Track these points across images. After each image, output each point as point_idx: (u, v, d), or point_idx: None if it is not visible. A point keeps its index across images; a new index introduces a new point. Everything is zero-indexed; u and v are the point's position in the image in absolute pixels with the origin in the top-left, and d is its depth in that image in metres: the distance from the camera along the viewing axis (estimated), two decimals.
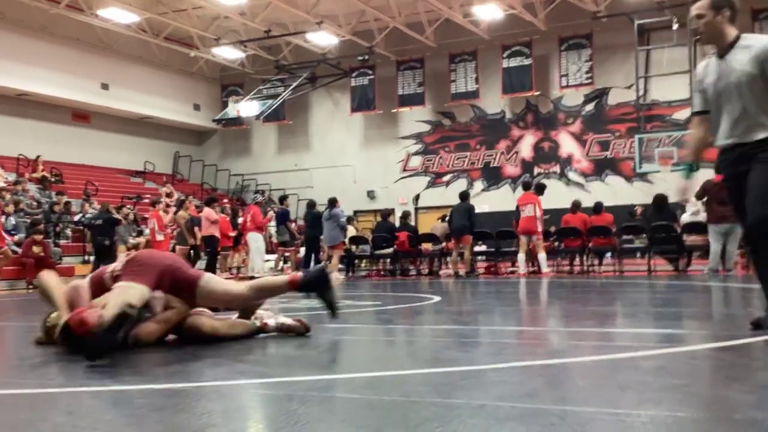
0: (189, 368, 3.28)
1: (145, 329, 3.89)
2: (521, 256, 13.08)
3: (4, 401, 2.67)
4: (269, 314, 4.43)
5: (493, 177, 23.52)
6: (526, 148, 23.24)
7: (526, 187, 13.70)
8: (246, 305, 4.25)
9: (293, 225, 16.83)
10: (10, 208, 15.24)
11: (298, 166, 25.80)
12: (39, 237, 14.10)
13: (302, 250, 16.62)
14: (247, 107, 24.73)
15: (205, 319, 4.12)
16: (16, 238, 14.81)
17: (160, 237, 14.66)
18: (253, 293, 4.16)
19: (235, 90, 26.76)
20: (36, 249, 14.00)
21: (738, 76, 3.73)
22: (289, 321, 4.31)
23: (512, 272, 14.06)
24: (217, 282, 4.16)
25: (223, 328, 4.14)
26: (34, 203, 17.12)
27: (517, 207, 13.40)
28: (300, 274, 4.17)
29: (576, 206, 14.03)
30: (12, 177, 18.81)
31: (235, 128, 26.43)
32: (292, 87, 24.00)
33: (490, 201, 22.12)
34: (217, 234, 14.54)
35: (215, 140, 27.97)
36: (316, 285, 4.10)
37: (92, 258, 15.43)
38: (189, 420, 2.17)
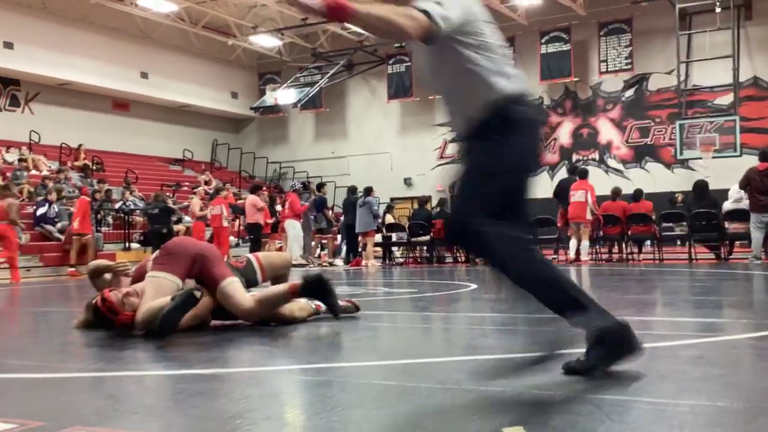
0: (227, 354, 3.33)
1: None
2: (572, 243, 12.97)
3: (47, 384, 2.74)
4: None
5: None
6: (564, 134, 22.97)
7: (581, 175, 13.53)
8: (253, 319, 4.19)
9: (330, 212, 16.90)
10: (53, 196, 15.58)
11: (335, 154, 25.88)
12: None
13: (339, 237, 16.72)
14: (284, 95, 24.85)
15: (288, 304, 4.18)
16: (59, 225, 15.14)
17: (225, 223, 14.85)
18: (260, 308, 4.10)
19: (273, 78, 26.89)
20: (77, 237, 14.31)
21: None
22: (342, 302, 4.37)
23: (552, 259, 13.94)
24: (234, 291, 4.09)
25: (286, 310, 4.21)
26: (76, 191, 17.46)
27: (566, 193, 13.22)
28: (299, 281, 4.16)
29: (615, 193, 13.84)
30: (55, 165, 19.21)
31: (273, 116, 26.59)
32: (329, 74, 24.04)
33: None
34: (262, 221, 14.72)
35: (253, 128, 28.17)
36: (315, 290, 4.11)
37: (136, 245, 15.89)
38: (227, 405, 2.21)
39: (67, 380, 2.82)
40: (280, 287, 4.19)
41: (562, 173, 20.37)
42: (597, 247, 14.18)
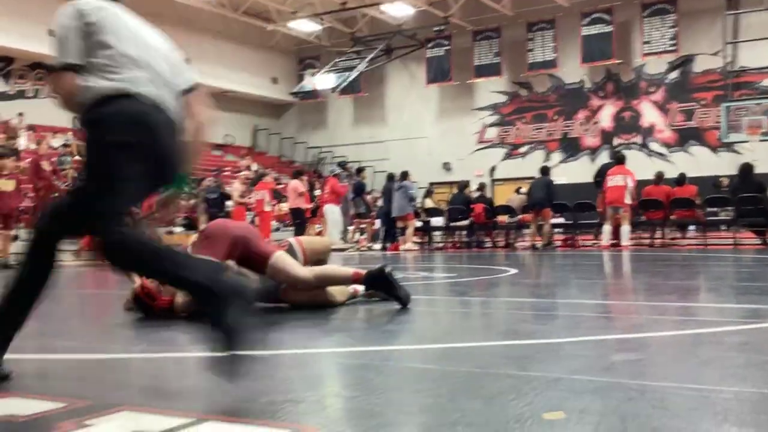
0: (269, 337, 3.37)
1: None
2: (606, 228, 12.81)
3: (93, 365, 2.82)
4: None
5: (571, 148, 23.02)
6: (606, 118, 22.62)
7: (619, 160, 13.33)
8: (308, 289, 4.29)
9: (369, 197, 16.95)
10: None
11: (373, 139, 25.89)
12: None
13: (378, 222, 16.76)
14: (323, 80, 24.91)
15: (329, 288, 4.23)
16: None
17: (268, 208, 15.03)
18: (317, 281, 4.21)
19: (312, 63, 26.98)
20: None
21: None
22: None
23: (592, 245, 13.80)
24: (285, 263, 4.19)
25: (326, 293, 4.26)
26: None
27: (604, 178, 13.05)
28: (363, 271, 4.23)
29: (659, 177, 13.62)
30: None
31: (312, 101, 26.68)
32: (367, 59, 24.01)
33: (568, 173, 21.67)
34: (304, 206, 14.85)
35: (292, 113, 28.33)
36: (379, 282, 4.16)
37: (179, 228, 16.20)
38: (270, 386, 2.24)
39: (112, 361, 2.90)
40: (345, 270, 4.26)
41: (603, 158, 20.10)
42: (639, 232, 14.00)
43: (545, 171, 14.26)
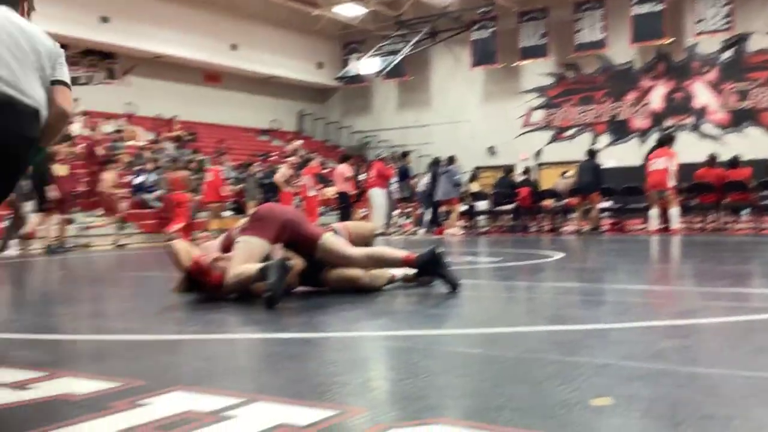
0: (316, 320, 3.42)
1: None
2: (653, 212, 12.59)
3: (147, 346, 2.90)
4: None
5: (620, 130, 22.60)
6: (656, 99, 22.12)
7: (660, 143, 13.08)
8: (359, 268, 4.34)
9: (413, 181, 16.93)
10: (150, 166, 16.23)
11: (417, 123, 25.81)
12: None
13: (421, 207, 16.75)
14: (368, 64, 24.89)
15: (352, 269, 4.27)
16: (155, 194, 15.77)
17: (313, 192, 15.16)
18: (368, 261, 4.27)
19: (356, 47, 26.96)
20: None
21: None
22: (413, 272, 4.42)
23: (641, 229, 13.57)
24: (335, 243, 4.27)
25: (366, 278, 4.30)
26: (171, 161, 18.10)
27: (647, 161, 12.83)
28: (415, 254, 4.25)
29: (712, 160, 13.29)
30: (151, 136, 19.94)
31: (357, 86, 26.70)
32: (412, 42, 23.89)
33: (616, 155, 21.30)
34: (350, 191, 14.93)
35: (337, 98, 28.39)
36: (431, 265, 4.18)
37: (227, 213, 16.49)
38: (318, 368, 2.28)
39: (166, 342, 2.97)
40: (397, 252, 4.29)
41: (654, 140, 19.68)
42: (690, 216, 13.71)
43: (592, 154, 14.05)
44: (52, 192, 11.09)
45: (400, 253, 4.32)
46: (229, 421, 1.69)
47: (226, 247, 4.28)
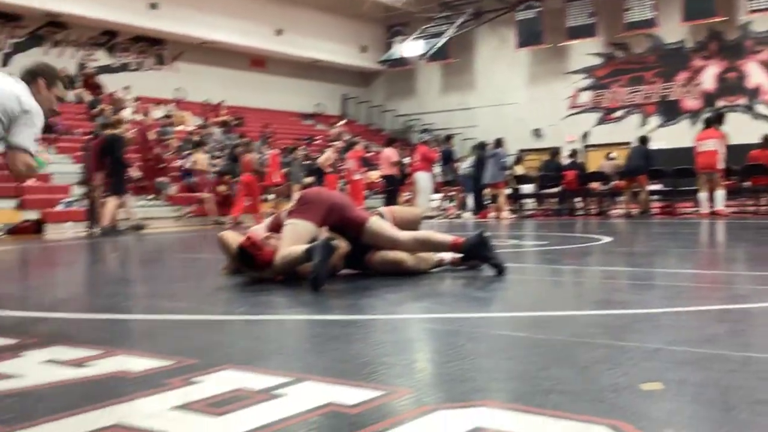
0: (361, 302, 3.45)
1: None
2: (702, 195, 12.33)
3: (198, 325, 2.96)
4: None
5: (670, 111, 22.09)
6: (708, 79, 21.55)
7: (708, 123, 12.78)
8: (406, 251, 4.35)
9: (457, 165, 16.84)
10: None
11: (462, 106, 25.63)
12: (225, 177, 15.21)
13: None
14: (411, 47, 24.78)
15: (396, 252, 4.29)
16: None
17: (358, 176, 15.26)
18: (415, 244, 4.28)
19: (400, 30, 26.84)
20: (222, 188, 15.14)
21: None
22: (460, 256, 4.42)
23: (692, 212, 13.29)
24: (382, 226, 4.29)
25: (411, 261, 4.30)
26: (219, 145, 18.34)
27: (696, 143, 12.55)
28: (462, 238, 4.24)
29: (765, 141, 12.92)
30: (199, 121, 20.23)
31: (401, 69, 26.61)
32: (456, 24, 23.69)
33: (666, 137, 20.85)
34: (397, 174, 14.96)
35: (381, 81, 28.35)
36: (478, 249, 4.17)
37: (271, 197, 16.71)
38: (363, 350, 2.30)
39: (216, 322, 3.03)
40: (444, 236, 4.31)
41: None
42: (742, 198, 13.38)
43: (644, 140, 13.82)
44: (130, 174, 11.63)
45: (448, 237, 4.32)
46: (279, 399, 1.72)
47: (274, 229, 4.33)
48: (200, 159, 14.97)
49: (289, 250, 3.96)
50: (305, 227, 4.09)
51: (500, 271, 4.14)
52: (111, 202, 11.51)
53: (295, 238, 4.03)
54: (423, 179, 15.00)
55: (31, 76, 3.56)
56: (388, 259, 4.28)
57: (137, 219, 12.25)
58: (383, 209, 4.68)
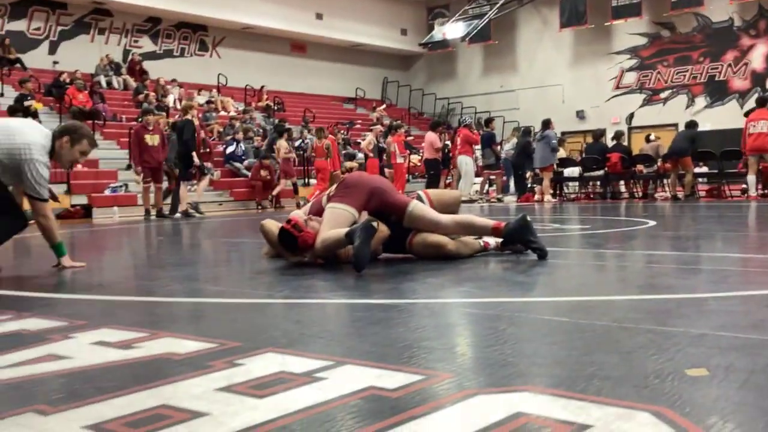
0: (402, 286, 3.46)
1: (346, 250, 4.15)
2: (750, 178, 12.02)
3: (241, 309, 3.00)
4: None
5: (717, 92, 21.56)
6: (757, 58, 20.95)
7: (761, 103, 12.42)
8: (447, 235, 4.34)
9: (499, 148, 16.70)
10: (240, 135, 16.63)
11: (503, 88, 25.36)
12: (266, 162, 15.34)
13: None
14: (452, 29, 24.57)
15: (437, 236, 4.28)
16: (246, 162, 16.18)
17: (400, 160, 15.27)
18: (456, 228, 4.29)
19: (441, 12, 26.64)
20: (263, 173, 15.27)
21: None
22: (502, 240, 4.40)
23: (740, 195, 12.98)
24: (423, 210, 4.29)
25: (452, 245, 4.30)
26: (261, 130, 18.50)
27: (746, 125, 12.23)
28: (504, 222, 4.22)
29: None
30: (241, 106, 20.41)
31: (441, 51, 26.44)
32: (498, 5, 23.41)
33: (713, 118, 20.38)
34: (440, 158, 14.94)
35: (421, 64, 28.21)
36: (520, 233, 4.14)
37: (313, 180, 16.86)
38: (404, 334, 2.31)
39: (258, 305, 3.07)
40: (485, 222, 4.30)
41: (754, 102, 18.69)
42: None
43: (692, 124, 13.52)
44: (197, 159, 11.98)
45: (489, 221, 4.29)
46: (320, 382, 1.74)
47: (315, 214, 4.36)
48: (283, 146, 15.32)
49: (329, 234, 3.99)
50: (346, 212, 4.11)
51: (542, 255, 4.11)
52: (182, 187, 12.20)
53: (335, 223, 4.05)
54: (466, 163, 14.91)
55: (59, 133, 4.29)
56: (429, 242, 4.28)
57: (194, 203, 12.69)
58: (421, 192, 4.67)
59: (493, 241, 4.47)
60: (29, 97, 14.81)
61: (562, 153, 16.15)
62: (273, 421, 1.47)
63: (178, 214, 12.02)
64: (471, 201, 14.50)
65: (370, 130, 16.82)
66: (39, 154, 4.13)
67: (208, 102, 19.42)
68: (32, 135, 4.13)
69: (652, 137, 15.64)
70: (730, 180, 13.65)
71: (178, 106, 17.60)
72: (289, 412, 1.52)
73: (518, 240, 4.24)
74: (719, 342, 2.05)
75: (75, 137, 4.31)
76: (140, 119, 12.99)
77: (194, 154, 12.18)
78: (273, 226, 4.40)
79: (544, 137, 14.32)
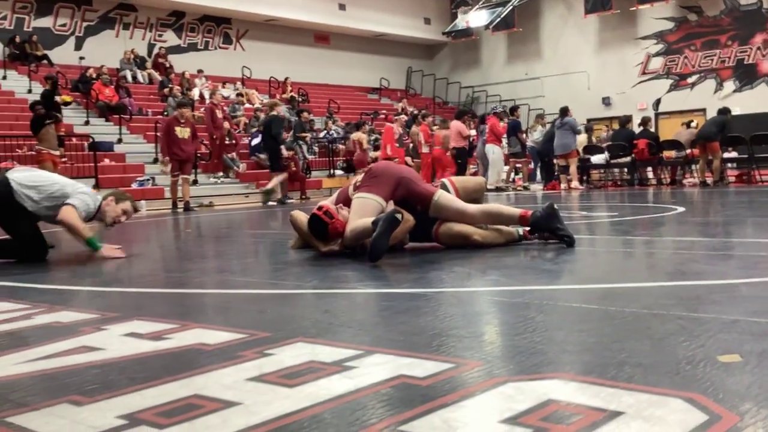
0: (429, 275, 3.45)
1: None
2: None
3: (269, 299, 3.02)
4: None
5: (746, 75, 21.18)
6: None
7: None
8: (474, 225, 4.33)
9: (524, 136, 16.58)
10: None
11: (528, 75, 25.16)
12: (290, 154, 15.36)
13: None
14: (476, 17, 24.41)
15: (464, 226, 4.27)
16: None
17: (425, 149, 15.25)
18: (483, 217, 4.27)
19: (464, 0, 26.47)
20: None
21: None
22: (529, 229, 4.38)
23: None
24: (449, 200, 4.28)
25: (478, 235, 4.29)
26: (285, 122, 18.54)
27: None
28: (531, 211, 4.19)
29: None
30: (265, 98, 20.49)
31: (465, 39, 26.28)
32: None
33: (742, 102, 20.03)
34: (466, 146, 14.89)
35: (445, 53, 28.07)
36: (547, 221, 4.12)
37: (339, 172, 16.95)
38: (432, 322, 2.31)
39: (286, 296, 3.09)
40: (512, 210, 4.28)
41: None
42: None
43: (723, 111, 13.30)
44: (285, 152, 13.35)
45: (517, 210, 4.27)
46: (350, 371, 1.75)
47: (341, 203, 4.37)
48: (362, 138, 15.85)
49: (357, 223, 4.00)
50: (374, 201, 4.11)
51: (570, 243, 4.09)
52: (275, 177, 13.20)
53: (363, 212, 4.06)
54: (493, 152, 14.84)
55: (104, 197, 4.93)
56: (455, 232, 4.27)
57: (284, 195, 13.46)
58: (445, 180, 4.65)
59: (522, 230, 4.44)
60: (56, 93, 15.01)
61: (583, 139, 15.92)
62: (304, 410, 1.48)
63: (272, 202, 13.00)
64: (499, 190, 14.43)
65: (395, 120, 16.78)
66: (82, 197, 4.73)
67: (237, 94, 19.49)
68: (84, 197, 4.73)
69: (693, 124, 15.43)
70: (761, 165, 13.42)
71: (206, 97, 17.70)
72: (320, 401, 1.53)
73: (545, 228, 4.22)
74: (752, 328, 2.02)
75: (120, 197, 4.91)
76: (165, 113, 13.14)
77: (282, 147, 13.29)
78: (302, 216, 4.43)
79: (564, 124, 14.20)
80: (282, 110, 14.44)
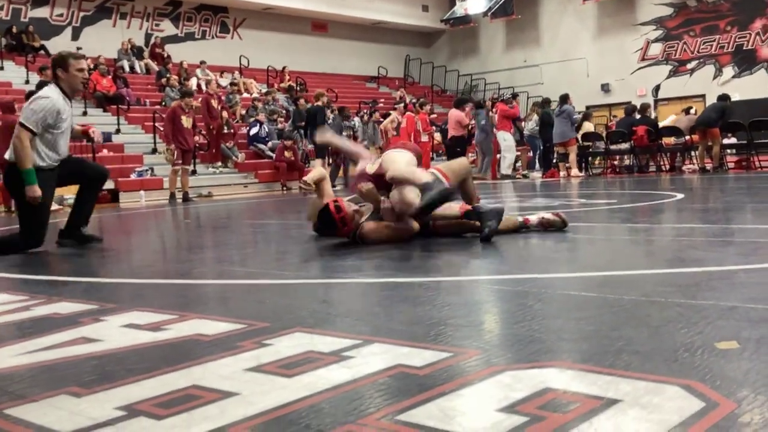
0: (427, 264, 3.45)
1: (373, 231, 4.15)
2: None
3: (268, 290, 3.02)
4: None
5: (745, 61, 21.11)
6: None
7: None
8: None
9: (523, 124, 16.53)
10: (263, 117, 16.65)
11: (527, 63, 25.08)
12: (289, 143, 15.35)
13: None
14: (474, 4, 24.30)
15: (451, 205, 4.28)
16: (269, 144, 16.20)
17: (424, 138, 15.20)
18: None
19: None
20: (287, 154, 15.28)
21: None
22: (549, 216, 4.37)
23: None
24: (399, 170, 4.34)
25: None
26: (283, 111, 18.50)
27: None
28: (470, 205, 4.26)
29: None
30: (263, 88, 20.42)
31: (463, 27, 26.18)
32: None
33: (741, 88, 19.99)
34: (465, 135, 14.85)
35: (444, 41, 27.97)
36: (485, 215, 4.08)
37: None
38: (431, 311, 2.31)
39: (285, 286, 3.09)
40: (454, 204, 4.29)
41: None
42: None
43: (724, 98, 13.27)
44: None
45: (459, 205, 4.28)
46: (348, 361, 1.75)
47: (362, 181, 4.35)
48: (389, 126, 15.84)
49: (409, 171, 4.09)
50: (408, 155, 4.22)
51: (486, 238, 3.97)
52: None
53: (408, 159, 4.18)
54: (504, 139, 14.80)
55: (52, 71, 4.64)
56: (447, 214, 4.25)
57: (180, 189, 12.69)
58: (432, 168, 4.63)
59: (534, 217, 4.42)
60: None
61: (590, 127, 15.88)
62: (302, 400, 1.48)
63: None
64: (510, 177, 14.43)
65: (394, 109, 16.73)
66: (27, 108, 4.60)
67: (232, 84, 19.41)
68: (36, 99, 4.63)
69: (693, 111, 15.39)
70: (760, 151, 13.40)
71: (203, 88, 17.63)
72: (318, 391, 1.53)
73: (477, 211, 4.13)
74: (749, 315, 2.02)
75: (61, 65, 4.60)
76: (163, 103, 13.06)
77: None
78: (315, 202, 4.55)
79: (563, 112, 14.15)
80: (325, 100, 15.01)
